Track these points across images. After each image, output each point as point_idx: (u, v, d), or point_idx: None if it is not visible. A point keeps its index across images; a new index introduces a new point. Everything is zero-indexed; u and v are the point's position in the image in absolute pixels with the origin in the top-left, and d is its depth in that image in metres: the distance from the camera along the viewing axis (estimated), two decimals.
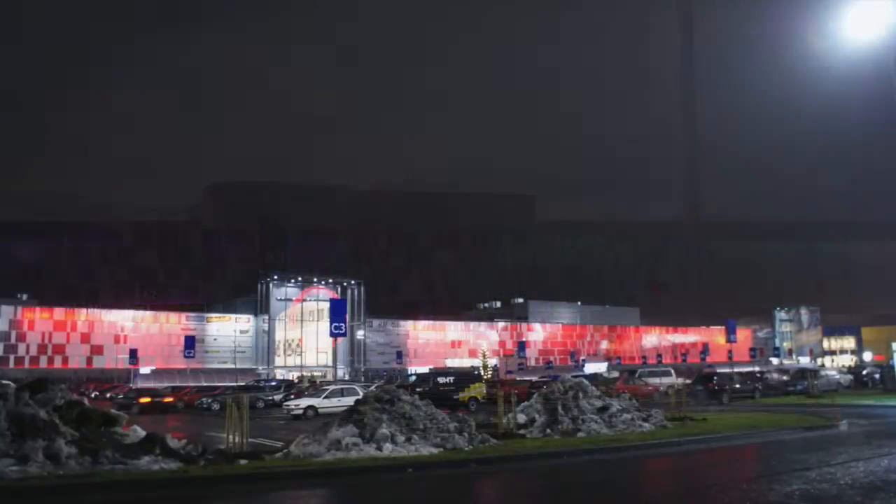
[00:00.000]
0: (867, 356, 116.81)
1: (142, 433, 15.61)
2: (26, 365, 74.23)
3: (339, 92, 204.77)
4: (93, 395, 55.72)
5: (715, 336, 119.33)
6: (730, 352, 55.06)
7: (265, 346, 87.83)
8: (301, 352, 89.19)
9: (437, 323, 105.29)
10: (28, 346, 76.97)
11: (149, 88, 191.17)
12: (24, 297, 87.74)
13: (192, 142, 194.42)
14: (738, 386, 39.79)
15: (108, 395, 54.27)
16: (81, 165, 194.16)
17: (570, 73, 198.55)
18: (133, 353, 66.05)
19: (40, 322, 78.51)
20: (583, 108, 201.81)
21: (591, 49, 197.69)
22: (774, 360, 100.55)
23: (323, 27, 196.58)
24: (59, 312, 79.81)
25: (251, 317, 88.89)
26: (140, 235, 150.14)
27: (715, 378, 40.18)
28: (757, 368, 62.57)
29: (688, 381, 40.11)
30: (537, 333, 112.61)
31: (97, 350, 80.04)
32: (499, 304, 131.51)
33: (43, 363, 75.94)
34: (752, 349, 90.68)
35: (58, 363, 77.12)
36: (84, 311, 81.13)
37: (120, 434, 15.29)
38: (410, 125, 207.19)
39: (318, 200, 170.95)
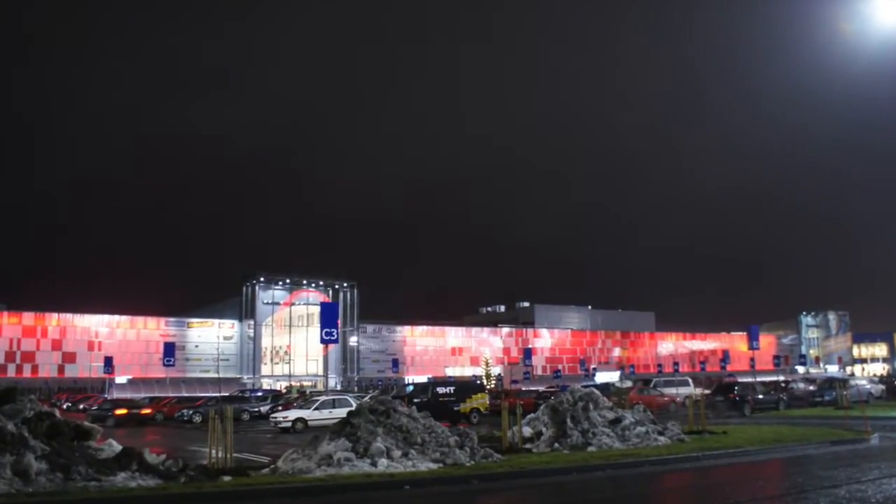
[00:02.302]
0: None
1: (118, 447, 15.62)
2: None
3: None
4: (65, 407, 55.75)
5: (736, 343, 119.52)
6: (752, 360, 55.12)
7: (251, 354, 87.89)
8: (289, 360, 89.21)
9: (437, 328, 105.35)
10: None
11: None
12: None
13: None
14: (760, 397, 39.82)
15: (81, 407, 54.32)
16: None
17: (567, 69, 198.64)
18: (108, 361, 66.06)
19: (8, 327, 78.53)
20: (584, 104, 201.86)
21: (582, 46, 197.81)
22: (800, 369, 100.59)
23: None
24: (28, 317, 79.83)
25: (235, 322, 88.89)
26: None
27: (736, 388, 40.18)
28: (781, 378, 62.58)
29: (707, 392, 40.10)
30: (544, 340, 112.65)
31: (69, 358, 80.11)
32: (503, 307, 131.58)
33: (11, 372, 75.96)
34: (776, 357, 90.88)
35: (27, 372, 77.15)
36: (55, 315, 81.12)
37: (94, 448, 15.31)
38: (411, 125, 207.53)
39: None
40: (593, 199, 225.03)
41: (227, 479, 14.51)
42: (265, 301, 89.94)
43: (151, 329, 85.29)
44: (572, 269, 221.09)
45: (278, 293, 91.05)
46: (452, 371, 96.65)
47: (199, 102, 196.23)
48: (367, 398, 31.56)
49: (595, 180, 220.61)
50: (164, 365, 61.13)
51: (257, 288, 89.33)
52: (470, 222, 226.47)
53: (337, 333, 35.79)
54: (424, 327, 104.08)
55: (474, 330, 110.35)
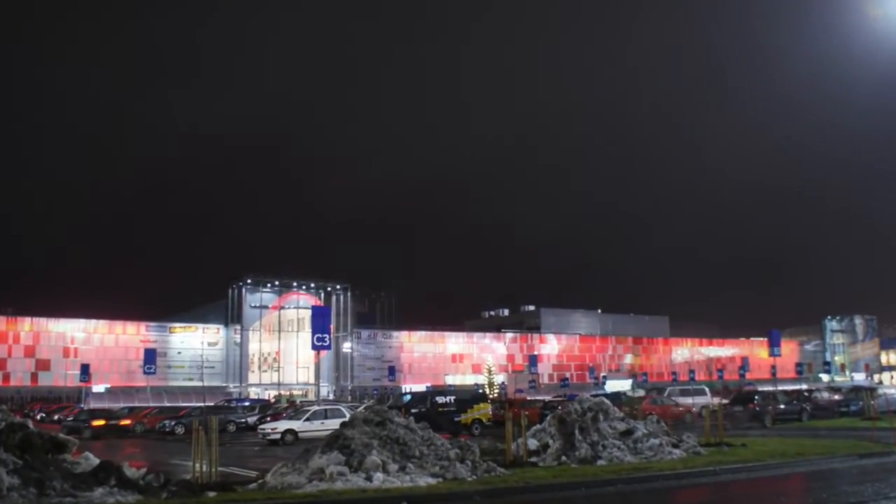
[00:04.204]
0: None
1: (95, 461, 15.62)
2: None
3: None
4: (38, 417, 55.81)
5: (756, 349, 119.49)
6: (773, 367, 55.22)
7: (237, 361, 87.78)
8: (278, 367, 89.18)
9: (436, 334, 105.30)
10: None
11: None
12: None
13: None
14: (782, 407, 39.86)
15: (55, 417, 54.37)
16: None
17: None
18: (85, 369, 66.04)
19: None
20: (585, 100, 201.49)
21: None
22: (825, 377, 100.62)
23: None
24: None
25: (221, 327, 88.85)
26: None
27: (756, 398, 40.23)
28: (804, 386, 62.67)
29: (725, 401, 40.17)
30: (551, 346, 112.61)
31: (43, 365, 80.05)
32: (506, 311, 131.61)
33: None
34: (798, 364, 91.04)
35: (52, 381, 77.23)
36: (28, 320, 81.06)
37: (70, 462, 15.30)
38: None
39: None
40: (602, 199, 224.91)
41: (211, 494, 14.51)
42: (253, 304, 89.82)
43: (131, 334, 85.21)
44: (580, 270, 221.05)
45: (267, 296, 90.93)
46: (453, 379, 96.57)
47: (188, 100, 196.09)
48: (361, 408, 31.60)
49: (604, 179, 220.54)
50: (145, 373, 61.19)
51: (244, 290, 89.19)
52: (471, 223, 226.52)
53: (329, 339, 35.86)
54: (423, 332, 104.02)
55: (476, 335, 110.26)
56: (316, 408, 37.31)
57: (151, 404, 56.28)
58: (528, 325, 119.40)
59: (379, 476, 15.54)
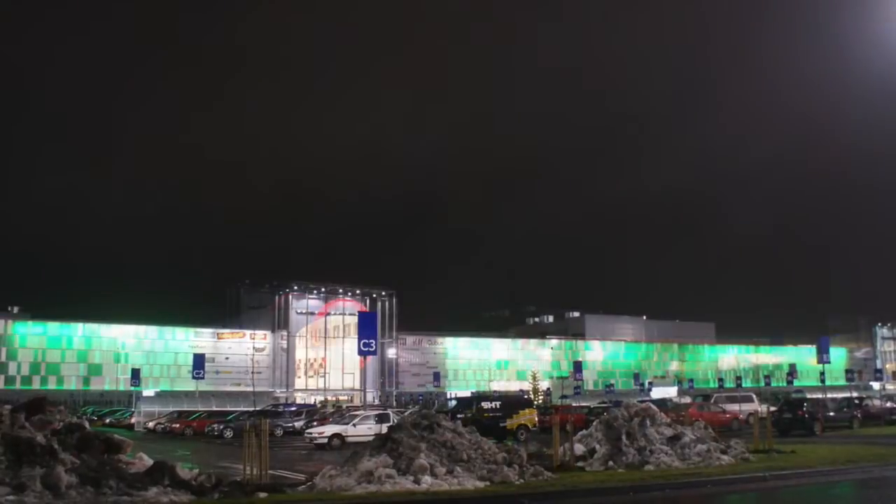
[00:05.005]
0: None
1: (149, 461, 15.94)
2: (17, 385, 75.86)
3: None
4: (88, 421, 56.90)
5: (804, 356, 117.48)
6: (822, 374, 54.31)
7: (284, 367, 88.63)
8: (324, 373, 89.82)
9: (480, 339, 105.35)
10: (19, 365, 78.68)
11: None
12: (15, 309, 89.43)
13: None
14: (832, 414, 39.35)
15: (107, 420, 55.39)
16: None
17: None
18: (135, 374, 67.12)
19: (32, 337, 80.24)
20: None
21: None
22: (875, 385, 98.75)
23: None
24: (53, 327, 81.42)
25: (268, 333, 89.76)
26: None
27: (805, 405, 39.75)
28: (855, 394, 61.73)
29: (772, 408, 39.76)
30: (596, 352, 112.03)
31: (95, 370, 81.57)
32: (551, 318, 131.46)
33: (35, 384, 77.50)
34: (848, 371, 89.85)
35: (52, 384, 78.57)
36: (80, 325, 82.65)
37: (124, 462, 15.62)
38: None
39: None
40: (644, 203, 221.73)
41: (262, 495, 14.70)
42: (299, 311, 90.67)
43: (180, 340, 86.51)
44: (625, 277, 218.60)
45: (313, 303, 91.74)
46: (498, 385, 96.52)
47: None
48: (406, 413, 31.78)
49: (646, 182, 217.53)
50: (194, 377, 61.99)
51: (290, 297, 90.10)
52: (498, 229, 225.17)
53: (375, 345, 36.11)
54: (467, 338, 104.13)
55: (520, 342, 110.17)
56: (363, 412, 37.59)
57: (200, 408, 57.02)
58: (572, 332, 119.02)
59: (427, 479, 15.62)
